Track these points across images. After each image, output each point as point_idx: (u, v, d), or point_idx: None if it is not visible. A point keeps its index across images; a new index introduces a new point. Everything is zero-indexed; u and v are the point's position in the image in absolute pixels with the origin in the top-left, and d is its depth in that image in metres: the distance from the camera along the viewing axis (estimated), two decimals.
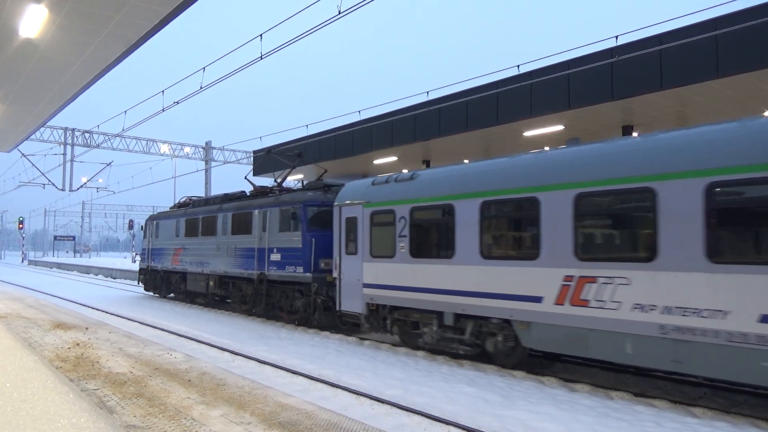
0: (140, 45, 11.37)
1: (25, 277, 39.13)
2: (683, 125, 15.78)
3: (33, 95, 15.18)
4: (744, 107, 14.23)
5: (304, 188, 16.27)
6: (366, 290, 12.17)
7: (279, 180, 18.43)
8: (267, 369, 10.14)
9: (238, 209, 17.45)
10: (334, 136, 22.65)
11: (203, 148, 38.57)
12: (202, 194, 36.85)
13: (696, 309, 7.16)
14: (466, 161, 11.79)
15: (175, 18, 10.09)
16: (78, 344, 9.94)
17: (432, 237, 11.01)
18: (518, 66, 14.75)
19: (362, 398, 8.16)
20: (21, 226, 67.80)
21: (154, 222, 23.62)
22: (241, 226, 17.14)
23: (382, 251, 11.85)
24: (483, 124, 16.96)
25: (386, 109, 20.00)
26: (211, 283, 18.67)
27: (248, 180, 19.08)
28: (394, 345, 12.22)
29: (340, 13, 9.63)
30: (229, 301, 18.74)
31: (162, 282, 22.72)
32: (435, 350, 11.33)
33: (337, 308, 13.13)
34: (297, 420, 5.81)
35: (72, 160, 31.52)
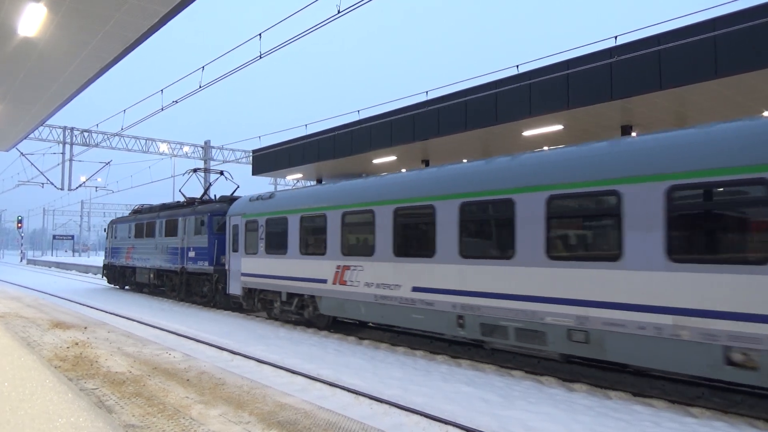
0: (139, 44, 11.35)
1: (23, 276, 39.08)
2: (682, 125, 15.83)
3: (32, 94, 15.15)
4: (743, 107, 14.25)
5: (215, 201, 20.60)
6: (243, 278, 16.40)
7: (200, 195, 23.29)
8: (266, 368, 10.14)
9: (169, 216, 21.79)
10: (333, 136, 22.65)
11: (202, 148, 38.54)
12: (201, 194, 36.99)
13: (388, 284, 11.55)
14: (312, 183, 15.15)
15: (174, 17, 10.07)
16: (77, 343, 9.92)
17: (276, 239, 15.04)
18: (517, 66, 14.78)
19: (361, 398, 8.16)
20: (20, 225, 67.65)
21: (113, 225, 28.07)
22: (171, 230, 21.45)
23: (252, 250, 16.07)
24: (482, 124, 16.96)
25: (385, 109, 20.03)
26: (152, 276, 23.24)
27: (181, 192, 23.89)
28: (393, 345, 12.23)
29: (339, 12, 9.63)
30: (163, 289, 22.93)
31: (119, 275, 27.16)
32: (433, 351, 11.61)
33: (227, 292, 17.43)
34: (296, 419, 5.81)
35: (71, 159, 31.48)
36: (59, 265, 52.81)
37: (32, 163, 32.03)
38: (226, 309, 18.36)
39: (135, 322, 15.80)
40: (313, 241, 13.75)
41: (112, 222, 28.71)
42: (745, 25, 10.15)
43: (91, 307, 19.16)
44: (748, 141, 6.93)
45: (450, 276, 10.22)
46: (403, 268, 11.20)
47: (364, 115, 20.76)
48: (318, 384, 9.00)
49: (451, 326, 10.24)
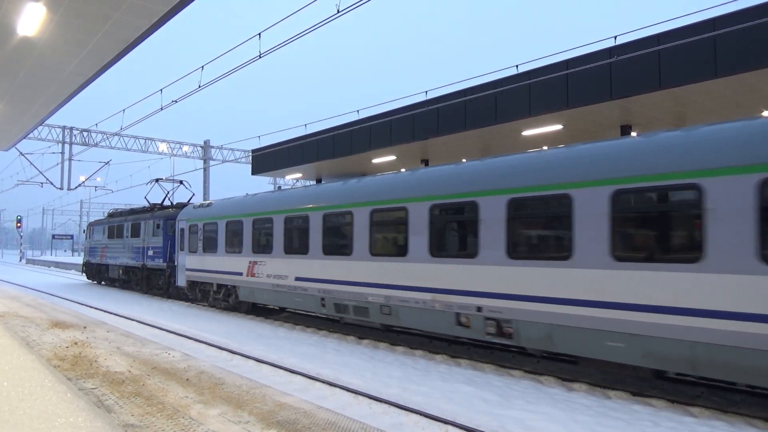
0: (138, 44, 11.34)
1: (22, 275, 39.07)
2: (682, 125, 15.83)
3: (31, 94, 15.13)
4: (742, 107, 14.25)
5: (171, 207, 24.41)
6: (187, 272, 19.58)
7: (162, 201, 26.66)
8: (265, 368, 10.15)
9: (134, 220, 25.38)
10: (332, 136, 22.63)
11: (202, 147, 38.52)
12: (199, 194, 37.12)
13: (280, 275, 14.60)
14: (247, 193, 18.44)
15: (173, 17, 10.06)
16: (76, 343, 9.92)
17: (210, 240, 18.27)
18: (517, 66, 14.78)
19: (360, 397, 8.16)
20: (19, 224, 67.61)
21: (91, 227, 31.75)
22: (135, 232, 24.91)
23: (193, 249, 19.25)
24: (481, 124, 16.95)
25: (385, 109, 20.02)
26: (121, 272, 26.80)
27: (146, 198, 27.32)
28: (392, 344, 12.23)
29: (338, 12, 9.62)
30: (130, 283, 26.22)
31: (96, 272, 30.70)
32: (433, 351, 11.62)
33: (176, 284, 20.64)
34: (295, 419, 5.81)
35: (70, 159, 31.46)
36: (58, 265, 52.79)
37: (31, 163, 32.02)
38: (177, 299, 21.71)
39: (134, 322, 15.80)
40: (235, 242, 17.02)
41: (90, 224, 32.35)
42: (745, 25, 10.15)
43: (91, 307, 19.15)
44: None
45: (316, 268, 13.53)
46: (290, 263, 14.48)
47: (363, 114, 20.77)
48: (317, 383, 9.00)
49: (317, 306, 13.56)
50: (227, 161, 38.38)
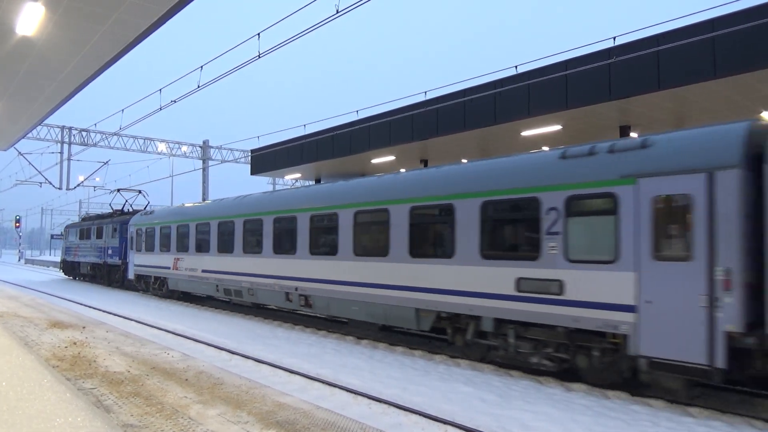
0: (137, 43, 11.32)
1: (21, 275, 38.99)
2: (681, 125, 15.84)
3: (30, 93, 15.11)
4: (741, 107, 14.28)
5: (128, 213, 28.78)
6: (135, 267, 23.95)
7: (122, 207, 31.61)
8: (264, 368, 10.14)
9: (99, 224, 30.01)
10: (331, 136, 22.63)
11: (201, 147, 38.48)
12: (199, 193, 37.17)
13: (193, 268, 19.00)
14: (188, 204, 21.65)
15: (172, 16, 10.04)
16: (75, 343, 9.90)
17: (150, 241, 22.40)
18: (516, 66, 14.78)
19: (359, 397, 8.16)
20: (18, 224, 67.49)
21: (68, 230, 36.45)
22: (99, 234, 29.70)
23: (139, 248, 23.54)
24: (481, 124, 16.97)
25: (384, 109, 20.02)
26: (89, 268, 31.77)
27: (110, 206, 32.34)
28: (391, 344, 12.24)
29: (338, 12, 9.62)
30: (95, 278, 31.01)
31: (71, 268, 35.30)
32: (432, 351, 11.60)
33: (127, 278, 25.34)
34: (294, 419, 5.81)
35: (69, 159, 31.41)
36: (56, 264, 52.65)
37: (30, 163, 31.97)
38: (129, 290, 25.96)
39: (133, 322, 15.79)
40: (165, 243, 21.28)
41: (66, 227, 37.32)
42: (745, 26, 10.16)
43: (90, 307, 19.13)
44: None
45: (214, 263, 17.83)
46: (199, 259, 18.85)
47: (363, 115, 20.76)
48: (316, 384, 8.99)
49: (215, 290, 18.07)
50: (226, 161, 38.35)
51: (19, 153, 31.34)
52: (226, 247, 17.25)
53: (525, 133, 17.35)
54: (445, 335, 11.02)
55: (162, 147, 35.86)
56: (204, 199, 34.70)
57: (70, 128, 31.81)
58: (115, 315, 17.14)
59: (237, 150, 39.75)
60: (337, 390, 8.58)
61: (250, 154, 31.18)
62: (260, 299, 15.86)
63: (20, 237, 78.15)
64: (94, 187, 39.17)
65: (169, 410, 6.01)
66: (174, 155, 36.92)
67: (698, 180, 7.15)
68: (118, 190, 32.42)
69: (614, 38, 12.66)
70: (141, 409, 6.03)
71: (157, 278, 22.26)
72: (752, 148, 7.06)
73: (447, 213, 10.41)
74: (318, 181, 29.86)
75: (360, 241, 12.34)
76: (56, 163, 31.44)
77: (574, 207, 8.48)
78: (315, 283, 13.54)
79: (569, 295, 8.44)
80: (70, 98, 15.69)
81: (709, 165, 7.12)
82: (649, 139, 8.03)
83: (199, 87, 14.38)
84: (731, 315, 6.78)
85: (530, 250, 9.04)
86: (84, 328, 11.96)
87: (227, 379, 7.62)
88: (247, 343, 12.29)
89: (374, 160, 23.16)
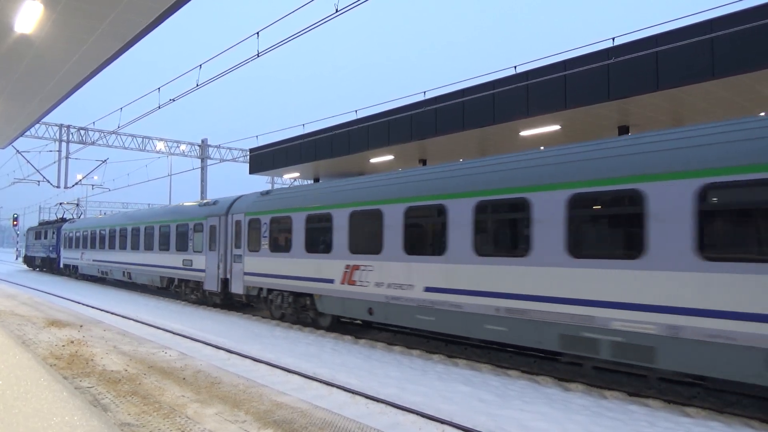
0: (136, 42, 11.30)
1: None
2: (679, 126, 15.83)
3: (28, 92, 15.08)
4: (740, 108, 14.29)
5: (66, 220, 38.50)
6: (63, 259, 34.53)
7: (64, 214, 44.92)
8: (262, 367, 10.13)
9: (46, 228, 40.19)
10: (330, 135, 22.61)
11: (199, 146, 38.43)
12: (197, 192, 37.19)
13: (101, 260, 28.79)
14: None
15: (171, 15, 10.02)
16: (72, 342, 9.89)
17: (74, 241, 32.11)
18: (515, 67, 14.79)
19: (357, 397, 8.16)
20: (15, 223, 67.32)
21: (28, 232, 46.95)
22: (46, 235, 39.74)
23: (67, 246, 33.62)
24: (479, 124, 16.96)
25: (383, 108, 20.01)
26: (40, 261, 42.17)
27: (56, 215, 45.91)
28: (389, 344, 12.23)
29: (337, 11, 9.61)
30: (45, 268, 41.32)
31: (31, 261, 45.71)
32: (430, 350, 11.61)
33: (59, 267, 35.94)
34: (292, 419, 5.80)
35: (67, 157, 31.37)
36: None
37: (28, 161, 31.92)
38: (63, 275, 35.67)
39: (131, 321, 15.76)
40: (82, 242, 30.61)
41: (28, 230, 47.84)
42: (744, 27, 10.17)
43: (87, 305, 19.10)
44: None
45: (150, 258, 22.59)
46: (95, 252, 27.90)
47: (361, 114, 20.75)
48: (314, 383, 8.99)
49: (122, 275, 24.93)
50: (225, 160, 38.31)
51: (17, 151, 31.30)
52: (136, 244, 24.02)
53: (524, 133, 17.35)
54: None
55: (160, 146, 35.82)
56: (203, 196, 35.24)
57: (69, 126, 31.74)
58: (112, 314, 17.11)
59: (236, 149, 39.73)
60: (335, 389, 8.58)
61: (248, 153, 31.14)
62: (137, 279, 23.76)
63: (18, 235, 77.98)
64: (92, 185, 39.14)
65: (167, 409, 6.00)
66: (172, 154, 36.88)
67: (220, 218, 17.65)
68: (61, 204, 46.44)
69: (613, 39, 12.69)
70: (138, 408, 6.02)
71: (75, 267, 32.67)
72: (230, 209, 17.28)
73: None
74: (316, 180, 29.84)
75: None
76: (54, 162, 31.42)
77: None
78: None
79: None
80: (68, 96, 15.65)
81: (221, 213, 17.67)
82: (219, 200, 18.63)
83: (198, 86, 14.36)
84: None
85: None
86: (81, 326, 11.94)
87: (225, 378, 7.61)
88: (245, 342, 12.28)
89: (373, 160, 23.15)
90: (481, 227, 9.74)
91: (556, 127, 16.54)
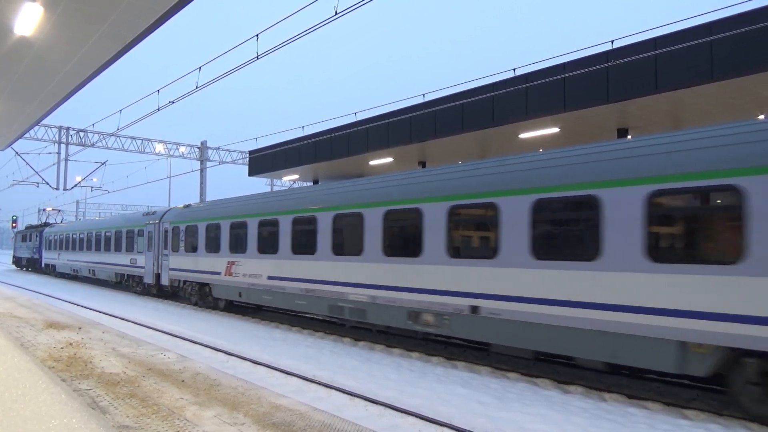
0: (136, 44, 11.30)
1: (17, 275, 38.87)
2: (678, 128, 15.86)
3: (27, 93, 15.08)
4: (739, 110, 14.31)
5: (46, 225, 45.70)
6: (44, 259, 40.21)
7: (45, 220, 51.88)
8: (261, 369, 10.11)
9: (30, 232, 45.07)
10: (329, 138, 22.62)
11: (199, 148, 38.43)
12: (196, 194, 37.21)
13: (74, 260, 33.22)
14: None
15: (171, 17, 10.03)
16: (71, 344, 9.87)
17: (54, 243, 37.71)
18: (514, 69, 14.80)
19: (356, 399, 8.15)
20: (14, 224, 67.22)
21: (16, 235, 51.87)
22: (31, 238, 44.76)
23: (47, 247, 39.24)
24: (478, 126, 16.98)
25: (382, 111, 20.02)
26: (26, 261, 46.84)
27: (43, 221, 50.24)
28: (388, 346, 12.22)
29: (336, 14, 9.63)
30: (30, 267, 46.14)
31: (18, 262, 50.17)
32: (429, 353, 11.57)
33: (41, 266, 41.28)
34: (291, 421, 5.79)
35: (66, 159, 31.32)
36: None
37: (27, 163, 31.89)
38: (43, 274, 40.36)
39: (130, 323, 15.74)
40: (60, 245, 35.14)
41: (15, 233, 53.14)
42: (743, 30, 10.19)
43: (86, 308, 19.08)
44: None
45: (108, 257, 26.35)
46: (68, 254, 33.15)
47: (361, 117, 20.76)
48: (313, 385, 8.97)
49: (89, 273, 29.05)
50: (224, 162, 38.31)
51: (17, 153, 31.26)
52: (99, 246, 27.97)
53: (523, 136, 17.37)
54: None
55: (160, 148, 35.81)
56: (202, 199, 35.10)
57: (68, 128, 31.72)
58: (111, 316, 17.08)
59: (235, 151, 39.72)
60: (334, 392, 8.56)
61: (248, 155, 31.14)
62: (100, 275, 27.89)
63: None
64: (92, 187, 39.06)
65: (166, 411, 5.98)
66: (172, 156, 36.87)
67: (155, 225, 21.85)
68: (44, 209, 53.60)
69: (612, 41, 12.70)
70: (137, 410, 6.01)
71: (53, 266, 37.24)
72: (162, 218, 21.50)
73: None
74: (316, 182, 29.84)
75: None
76: (53, 164, 31.35)
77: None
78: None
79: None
80: (68, 98, 15.65)
81: (156, 221, 21.94)
82: (156, 211, 22.40)
83: (197, 88, 14.37)
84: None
85: None
86: (80, 328, 11.92)
87: (224, 380, 7.60)
88: (244, 344, 12.26)
89: (372, 162, 23.16)
90: (296, 234, 14.16)
91: (555, 130, 16.57)
